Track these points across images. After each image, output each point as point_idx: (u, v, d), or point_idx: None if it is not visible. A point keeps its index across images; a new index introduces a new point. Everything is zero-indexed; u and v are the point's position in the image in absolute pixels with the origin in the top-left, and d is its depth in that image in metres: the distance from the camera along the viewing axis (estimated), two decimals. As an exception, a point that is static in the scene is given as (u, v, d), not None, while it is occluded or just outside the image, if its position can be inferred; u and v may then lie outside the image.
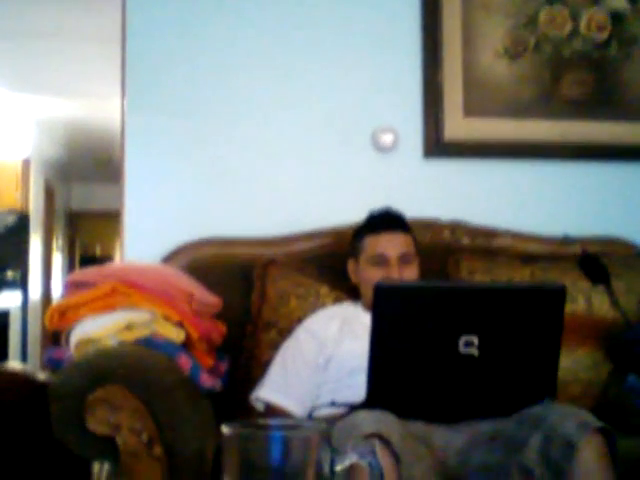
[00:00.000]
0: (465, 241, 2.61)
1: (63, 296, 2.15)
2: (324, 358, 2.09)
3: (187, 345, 1.99)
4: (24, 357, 6.77)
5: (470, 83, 2.78)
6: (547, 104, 2.81)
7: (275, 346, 2.21)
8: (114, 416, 1.65)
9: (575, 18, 2.82)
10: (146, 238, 2.62)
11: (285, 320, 2.30)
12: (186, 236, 2.56)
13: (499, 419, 1.72)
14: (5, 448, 1.94)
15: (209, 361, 2.05)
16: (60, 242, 9.76)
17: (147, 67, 2.69)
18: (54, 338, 2.23)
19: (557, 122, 2.81)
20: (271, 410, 2.04)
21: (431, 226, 2.59)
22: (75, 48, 4.88)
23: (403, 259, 2.15)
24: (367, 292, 2.13)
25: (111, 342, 1.92)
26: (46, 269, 8.40)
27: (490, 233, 2.65)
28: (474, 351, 1.63)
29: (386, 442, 1.51)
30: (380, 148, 2.75)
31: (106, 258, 10.48)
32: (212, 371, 2.05)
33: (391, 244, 2.16)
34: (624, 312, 2.26)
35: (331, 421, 1.66)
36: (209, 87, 2.71)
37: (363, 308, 2.20)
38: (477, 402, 1.73)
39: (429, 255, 2.33)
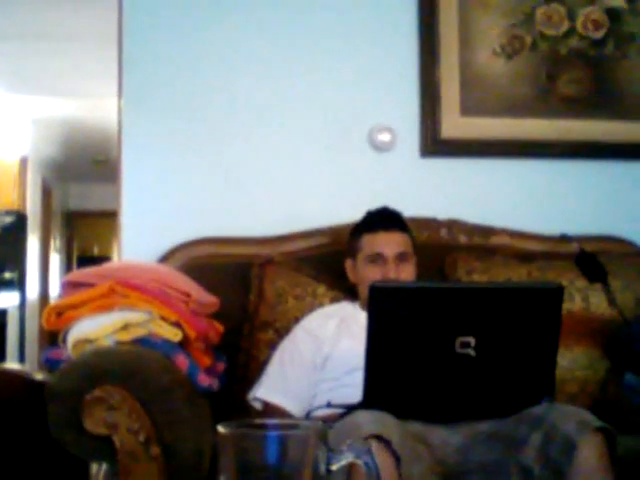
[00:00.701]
0: (462, 240, 2.61)
1: (60, 296, 2.15)
2: (321, 357, 2.08)
3: (184, 345, 1.99)
4: (21, 357, 6.77)
5: (467, 82, 2.78)
6: (544, 102, 2.81)
7: (272, 346, 2.21)
8: (111, 416, 1.65)
9: (572, 16, 2.82)
10: (143, 238, 2.62)
11: (282, 319, 2.29)
12: (183, 235, 2.55)
13: (497, 419, 1.72)
14: (3, 448, 1.94)
15: (206, 361, 2.05)
16: (57, 242, 9.76)
17: (144, 67, 2.69)
18: (51, 338, 2.23)
19: (554, 120, 2.81)
20: (269, 409, 2.04)
21: (428, 225, 2.58)
22: (72, 48, 4.88)
23: (400, 258, 2.15)
24: (365, 291, 2.12)
25: (108, 342, 1.91)
26: (43, 269, 8.39)
27: (487, 232, 2.65)
28: (471, 351, 1.62)
29: (386, 442, 1.50)
30: (377, 147, 2.74)
31: (104, 258, 10.45)
32: (209, 371, 2.04)
33: (388, 243, 2.16)
34: (621, 310, 2.26)
35: (328, 422, 1.66)
36: (205, 86, 2.71)
37: (361, 307, 2.19)
38: (475, 402, 1.73)
39: (426, 254, 2.32)
